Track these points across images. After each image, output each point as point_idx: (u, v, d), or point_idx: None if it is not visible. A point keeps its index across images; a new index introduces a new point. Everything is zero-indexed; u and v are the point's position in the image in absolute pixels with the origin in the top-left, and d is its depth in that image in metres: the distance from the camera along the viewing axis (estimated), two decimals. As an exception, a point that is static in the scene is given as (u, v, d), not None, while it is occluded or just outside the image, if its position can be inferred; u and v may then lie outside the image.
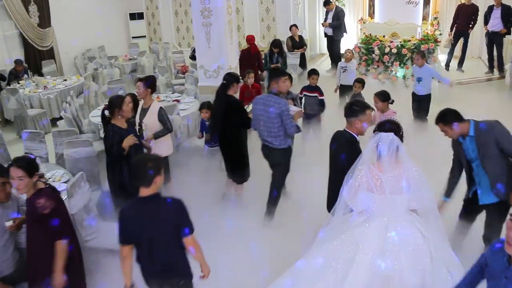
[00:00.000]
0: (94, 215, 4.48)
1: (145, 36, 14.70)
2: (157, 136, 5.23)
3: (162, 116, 5.27)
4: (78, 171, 5.24)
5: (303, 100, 6.74)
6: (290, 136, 5.08)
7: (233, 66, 7.90)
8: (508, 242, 2.10)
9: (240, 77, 6.34)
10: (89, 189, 4.51)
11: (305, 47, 11.11)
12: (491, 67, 10.95)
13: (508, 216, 2.08)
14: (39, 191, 3.29)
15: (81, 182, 4.35)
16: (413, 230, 3.34)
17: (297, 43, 11.00)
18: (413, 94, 7.34)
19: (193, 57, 11.05)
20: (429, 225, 3.39)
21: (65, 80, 9.90)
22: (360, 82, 7.02)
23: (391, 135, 3.33)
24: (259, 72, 8.93)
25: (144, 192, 3.03)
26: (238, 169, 5.39)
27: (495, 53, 10.68)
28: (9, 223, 3.45)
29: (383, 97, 5.48)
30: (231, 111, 5.19)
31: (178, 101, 7.46)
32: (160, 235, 3.06)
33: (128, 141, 4.45)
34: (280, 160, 5.04)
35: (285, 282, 3.64)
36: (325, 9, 11.33)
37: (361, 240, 3.37)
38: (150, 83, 5.36)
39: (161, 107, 5.35)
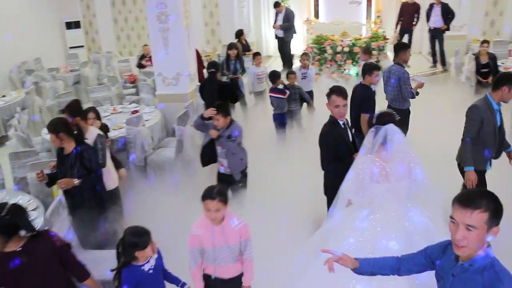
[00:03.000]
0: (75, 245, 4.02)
1: (83, 46, 13.95)
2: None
3: (96, 144, 4.46)
4: (45, 195, 4.77)
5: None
6: None
7: (193, 72, 7.58)
8: (455, 244, 2.10)
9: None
10: (67, 215, 4.05)
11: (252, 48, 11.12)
12: (434, 62, 11.40)
13: (449, 219, 2.08)
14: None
15: (60, 209, 3.89)
16: (423, 216, 3.40)
17: (246, 46, 10.92)
18: None
19: (140, 66, 10.63)
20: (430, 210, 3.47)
21: (4, 96, 9.08)
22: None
23: (391, 125, 3.40)
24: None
25: None
26: None
27: (437, 48, 11.13)
28: None
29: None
30: None
31: (137, 111, 7.04)
32: None
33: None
34: None
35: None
36: (275, 11, 11.24)
37: (376, 234, 3.32)
38: (75, 112, 4.60)
39: (99, 134, 4.60)
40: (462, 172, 4.48)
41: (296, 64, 11.39)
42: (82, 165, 4.08)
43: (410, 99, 6.01)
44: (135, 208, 5.13)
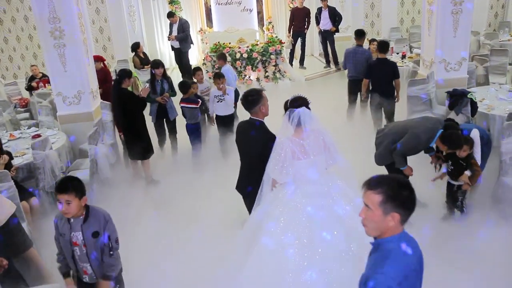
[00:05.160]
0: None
1: (-44, 71, 12.64)
2: None
3: None
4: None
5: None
6: None
7: (94, 88, 7.21)
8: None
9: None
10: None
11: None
12: (327, 62, 12.05)
13: None
14: None
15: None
16: (341, 181, 3.76)
17: (144, 60, 10.71)
18: None
19: (30, 88, 9.93)
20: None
21: None
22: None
23: (304, 108, 3.70)
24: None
25: None
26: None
27: (329, 49, 11.79)
28: None
29: None
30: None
31: (39, 135, 6.52)
32: None
33: None
34: None
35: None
36: (169, 22, 11.10)
37: (305, 203, 3.57)
38: None
39: None
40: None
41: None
42: None
43: None
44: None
